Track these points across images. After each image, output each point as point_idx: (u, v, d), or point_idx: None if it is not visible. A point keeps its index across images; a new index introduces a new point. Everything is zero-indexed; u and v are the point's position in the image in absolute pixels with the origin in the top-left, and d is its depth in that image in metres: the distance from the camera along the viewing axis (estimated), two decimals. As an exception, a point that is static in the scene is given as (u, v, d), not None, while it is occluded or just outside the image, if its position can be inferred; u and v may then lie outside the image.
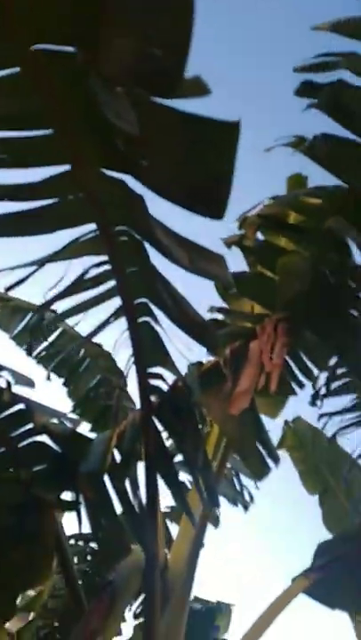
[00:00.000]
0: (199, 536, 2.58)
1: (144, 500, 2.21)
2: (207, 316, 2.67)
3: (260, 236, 2.47)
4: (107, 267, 1.74)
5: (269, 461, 2.25)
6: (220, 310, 2.60)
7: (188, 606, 2.54)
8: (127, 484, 2.19)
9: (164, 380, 2.35)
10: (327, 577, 2.82)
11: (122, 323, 2.07)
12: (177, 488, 2.18)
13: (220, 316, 2.64)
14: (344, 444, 3.83)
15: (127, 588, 2.17)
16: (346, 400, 3.13)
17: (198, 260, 1.37)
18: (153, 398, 2.34)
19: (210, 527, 3.22)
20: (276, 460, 2.23)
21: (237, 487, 3.52)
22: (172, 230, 1.39)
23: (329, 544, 2.91)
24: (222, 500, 3.90)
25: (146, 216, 1.34)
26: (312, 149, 2.09)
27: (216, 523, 4.32)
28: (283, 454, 4.63)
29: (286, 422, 4.77)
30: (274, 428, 4.77)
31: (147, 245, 1.59)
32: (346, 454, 4.26)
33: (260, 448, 2.29)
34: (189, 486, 2.95)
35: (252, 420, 2.24)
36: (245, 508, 3.51)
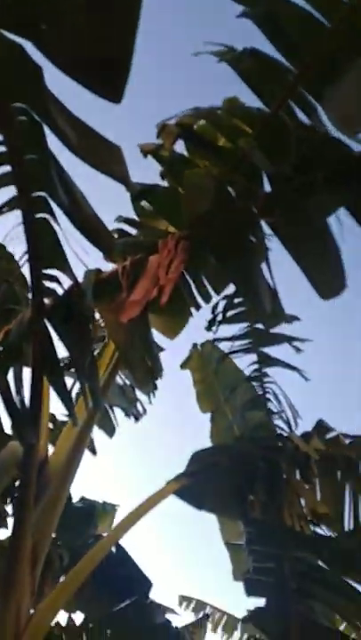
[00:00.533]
0: (82, 437, 2.65)
1: (27, 399, 2.21)
2: (115, 225, 2.61)
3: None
4: (2, 148, 1.60)
5: (154, 375, 2.31)
6: (127, 221, 2.53)
7: (64, 501, 2.65)
8: (11, 381, 2.17)
9: (59, 283, 2.29)
10: (198, 481, 3.06)
11: (17, 216, 1.95)
12: (62, 389, 2.19)
13: (127, 227, 2.58)
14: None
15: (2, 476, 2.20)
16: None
17: (92, 147, 1.28)
18: (46, 300, 2.29)
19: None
20: (160, 374, 2.29)
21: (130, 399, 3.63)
22: (71, 112, 1.28)
23: (203, 452, 3.12)
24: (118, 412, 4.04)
25: (43, 90, 1.22)
26: (238, 62, 2.00)
27: (111, 432, 4.48)
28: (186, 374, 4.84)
29: (195, 345, 4.94)
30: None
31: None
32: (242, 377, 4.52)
33: (148, 361, 2.34)
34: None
35: (142, 334, 2.27)
36: (136, 418, 3.64)
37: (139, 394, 3.93)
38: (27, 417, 2.12)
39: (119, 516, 4.27)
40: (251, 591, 3.50)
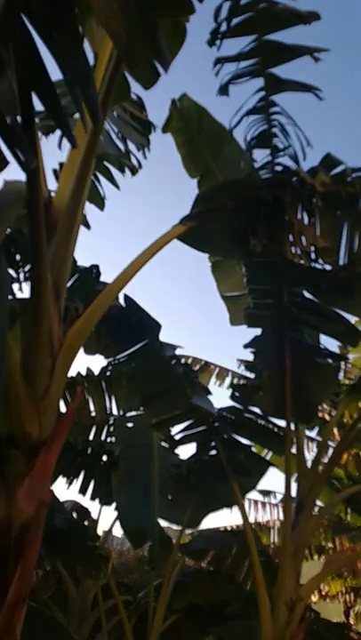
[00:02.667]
0: (83, 172, 2.43)
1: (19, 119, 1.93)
2: None
3: None
4: None
5: (159, 67, 1.96)
6: None
7: (74, 246, 2.57)
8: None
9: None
10: (202, 224, 2.99)
11: None
12: (55, 104, 1.89)
13: None
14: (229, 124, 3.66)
15: (7, 212, 2.06)
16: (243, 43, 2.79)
17: None
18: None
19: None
20: (167, 65, 1.94)
21: (123, 150, 3.33)
22: None
23: (207, 193, 2.98)
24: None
25: None
26: None
27: (102, 205, 4.27)
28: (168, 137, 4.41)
29: (173, 101, 4.40)
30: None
31: None
32: (227, 134, 4.14)
33: (150, 53, 1.96)
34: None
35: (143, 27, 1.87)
36: (132, 171, 3.39)
37: (131, 147, 3.62)
38: (22, 138, 1.86)
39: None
40: (251, 323, 3.77)
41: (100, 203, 4.06)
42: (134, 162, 3.44)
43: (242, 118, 3.27)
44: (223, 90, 2.85)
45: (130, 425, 5.23)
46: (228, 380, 7.10)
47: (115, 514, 5.54)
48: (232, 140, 4.09)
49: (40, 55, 1.87)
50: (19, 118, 1.90)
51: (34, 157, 1.90)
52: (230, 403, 4.12)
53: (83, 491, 4.78)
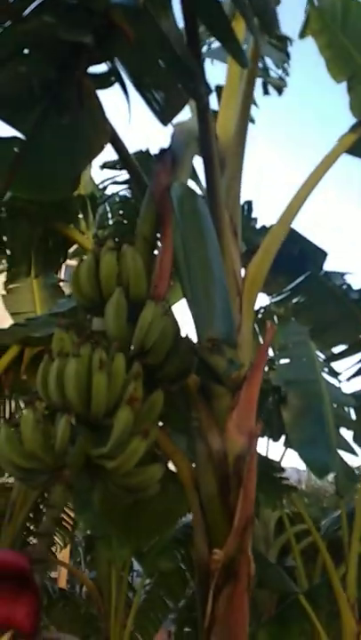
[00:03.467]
0: (244, 111, 2.32)
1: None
2: None
3: None
4: None
5: None
6: None
7: (242, 177, 2.49)
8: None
9: None
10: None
11: None
12: (225, 29, 1.77)
13: None
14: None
15: (186, 153, 2.03)
16: None
17: None
18: None
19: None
20: None
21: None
22: None
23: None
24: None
25: None
26: None
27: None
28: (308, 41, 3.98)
29: (310, 1, 3.93)
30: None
31: None
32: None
33: None
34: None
35: None
36: (279, 91, 3.16)
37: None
38: (195, 72, 1.80)
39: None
40: None
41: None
42: (278, 80, 3.19)
43: None
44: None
45: (288, 361, 5.18)
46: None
47: (282, 449, 5.65)
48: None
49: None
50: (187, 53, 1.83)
51: (207, 90, 1.83)
52: None
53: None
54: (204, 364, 2.01)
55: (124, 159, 2.05)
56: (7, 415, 3.40)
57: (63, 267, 5.22)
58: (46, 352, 1.43)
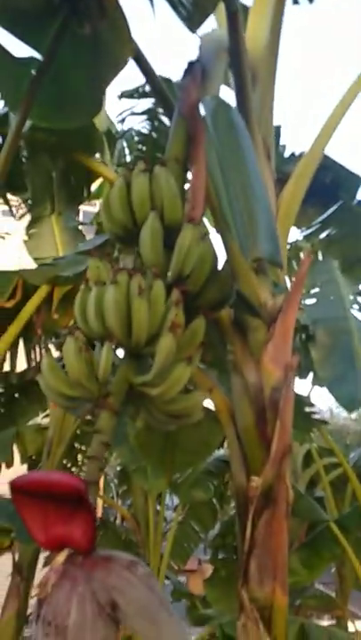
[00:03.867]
0: (275, 23, 2.11)
1: None
2: None
3: None
4: None
5: None
6: None
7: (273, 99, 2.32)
8: None
9: None
10: None
11: None
12: None
13: None
14: None
15: (216, 65, 1.88)
16: None
17: None
18: None
19: None
20: None
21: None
22: None
23: None
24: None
25: None
26: None
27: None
28: None
29: None
30: None
31: None
32: None
33: None
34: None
35: None
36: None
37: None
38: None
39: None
40: None
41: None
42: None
43: None
44: None
45: (316, 300, 5.10)
46: None
47: (309, 387, 5.69)
48: None
49: None
50: None
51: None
52: None
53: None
54: (240, 295, 1.95)
55: (149, 76, 1.90)
56: (43, 353, 3.44)
57: (81, 212, 5.11)
58: (83, 282, 1.38)
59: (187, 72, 1.80)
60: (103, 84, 1.78)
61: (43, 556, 4.62)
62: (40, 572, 4.65)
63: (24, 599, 4.43)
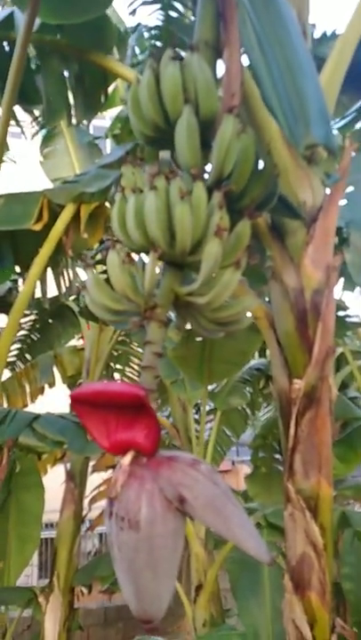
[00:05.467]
0: None
1: None
2: None
3: None
4: None
5: None
6: None
7: None
8: None
9: None
10: None
11: None
12: None
13: None
14: None
15: None
16: None
17: None
18: None
19: None
20: None
21: None
22: None
23: None
24: None
25: None
26: None
27: None
28: None
29: None
30: None
31: None
32: None
33: None
34: None
35: None
36: None
37: None
38: None
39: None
40: None
41: None
42: None
43: None
44: None
45: (348, 201, 4.86)
46: None
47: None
48: None
49: None
50: None
51: None
52: None
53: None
54: (280, 197, 1.85)
55: None
56: (71, 277, 3.45)
57: (91, 126, 4.83)
58: (119, 190, 1.31)
59: None
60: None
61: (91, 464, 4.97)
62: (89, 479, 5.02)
63: (79, 502, 4.84)
